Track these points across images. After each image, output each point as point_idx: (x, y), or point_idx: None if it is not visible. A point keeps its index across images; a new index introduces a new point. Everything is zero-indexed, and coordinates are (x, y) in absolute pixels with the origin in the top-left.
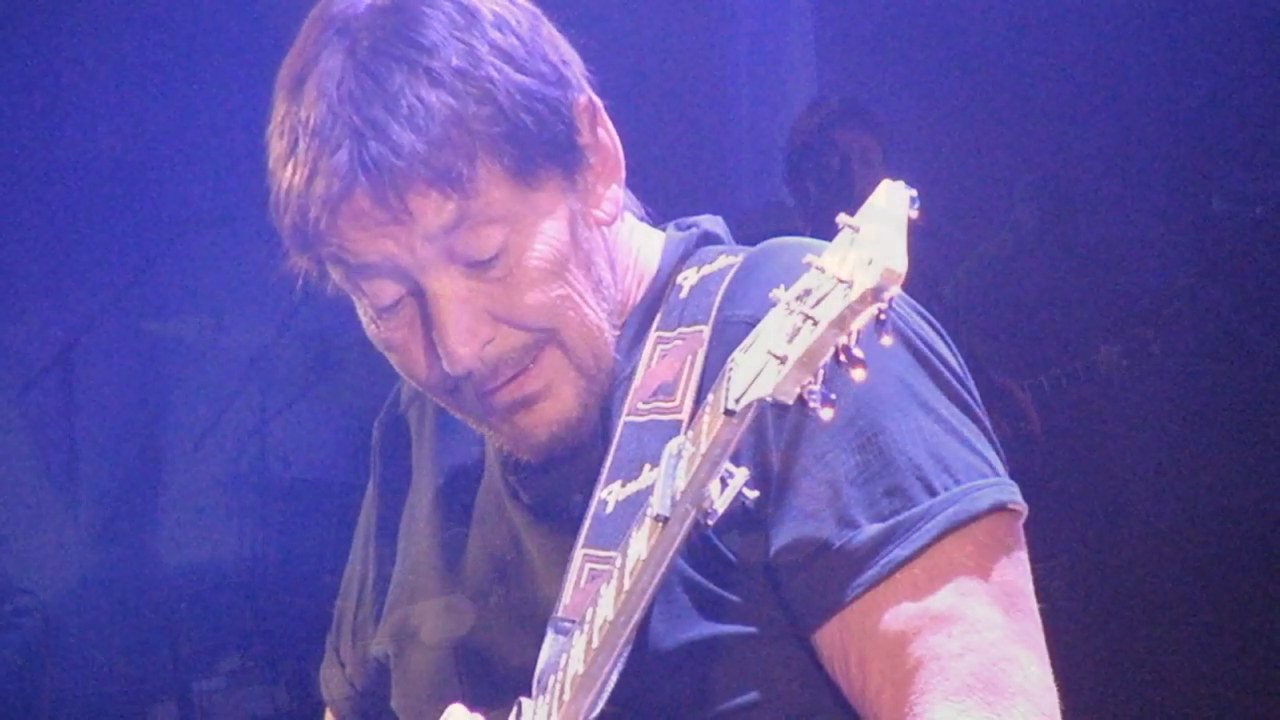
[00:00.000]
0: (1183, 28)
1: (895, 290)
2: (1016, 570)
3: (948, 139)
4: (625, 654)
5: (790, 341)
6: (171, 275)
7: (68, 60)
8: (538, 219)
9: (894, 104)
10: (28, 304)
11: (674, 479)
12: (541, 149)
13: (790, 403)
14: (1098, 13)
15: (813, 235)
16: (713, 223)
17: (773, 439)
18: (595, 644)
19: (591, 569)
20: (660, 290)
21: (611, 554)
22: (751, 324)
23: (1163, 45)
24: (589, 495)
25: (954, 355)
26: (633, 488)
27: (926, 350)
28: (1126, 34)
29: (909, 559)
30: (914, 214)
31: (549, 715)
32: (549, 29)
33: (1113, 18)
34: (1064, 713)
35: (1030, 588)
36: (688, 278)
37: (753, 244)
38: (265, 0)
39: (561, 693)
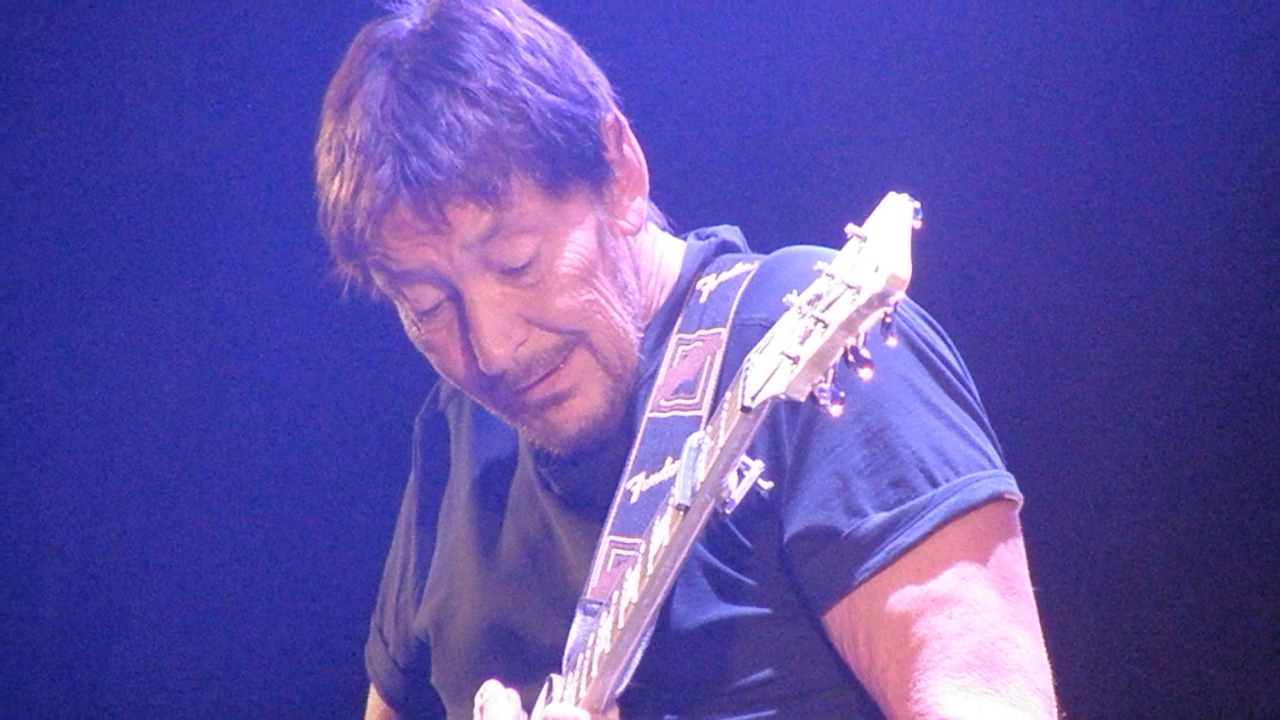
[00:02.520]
0: (1176, 36)
1: (900, 295)
2: (1013, 556)
3: (948, 151)
4: (649, 634)
5: (802, 343)
6: (227, 282)
7: (130, 82)
8: (568, 229)
9: (897, 115)
10: (93, 308)
11: (694, 471)
12: (571, 164)
13: (802, 400)
14: (1091, 23)
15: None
16: (730, 232)
17: (786, 434)
18: (621, 624)
19: (617, 554)
20: (681, 295)
21: (636, 541)
22: (767, 327)
23: (1154, 53)
24: (615, 486)
25: (955, 355)
26: (656, 479)
27: (929, 351)
28: (1119, 41)
29: (913, 545)
30: (918, 223)
31: (578, 691)
32: (578, 52)
33: (1106, 28)
34: (1057, 690)
35: (1026, 572)
36: (707, 284)
37: (767, 252)
38: (314, 25)
39: (589, 670)
